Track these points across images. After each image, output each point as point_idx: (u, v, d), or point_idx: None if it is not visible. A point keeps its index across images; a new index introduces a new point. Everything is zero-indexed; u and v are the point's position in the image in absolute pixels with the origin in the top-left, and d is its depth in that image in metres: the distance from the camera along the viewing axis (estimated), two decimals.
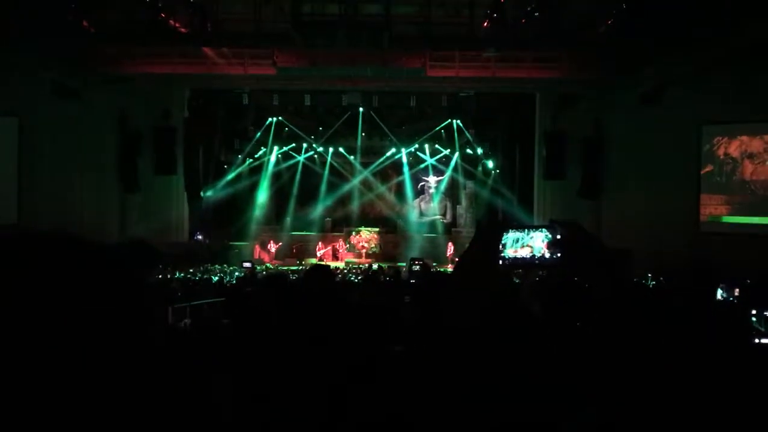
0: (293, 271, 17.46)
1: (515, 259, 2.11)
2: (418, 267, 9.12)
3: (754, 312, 3.96)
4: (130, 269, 0.91)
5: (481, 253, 2.01)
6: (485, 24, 14.20)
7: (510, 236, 2.10)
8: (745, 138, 15.57)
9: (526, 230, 2.11)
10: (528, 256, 2.10)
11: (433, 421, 1.84)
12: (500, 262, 2.09)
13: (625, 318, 1.63)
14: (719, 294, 4.71)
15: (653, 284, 11.26)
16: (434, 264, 18.68)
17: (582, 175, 18.19)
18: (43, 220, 14.90)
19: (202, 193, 20.51)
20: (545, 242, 2.05)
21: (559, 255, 1.99)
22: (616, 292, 1.69)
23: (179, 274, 14.60)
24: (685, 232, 15.64)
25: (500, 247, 2.08)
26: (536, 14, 13.46)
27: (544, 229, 2.06)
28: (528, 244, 2.10)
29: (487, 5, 14.01)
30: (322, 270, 2.92)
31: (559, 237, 1.92)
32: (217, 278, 14.34)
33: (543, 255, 2.07)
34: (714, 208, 15.96)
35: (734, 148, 15.67)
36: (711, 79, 14.56)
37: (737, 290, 4.71)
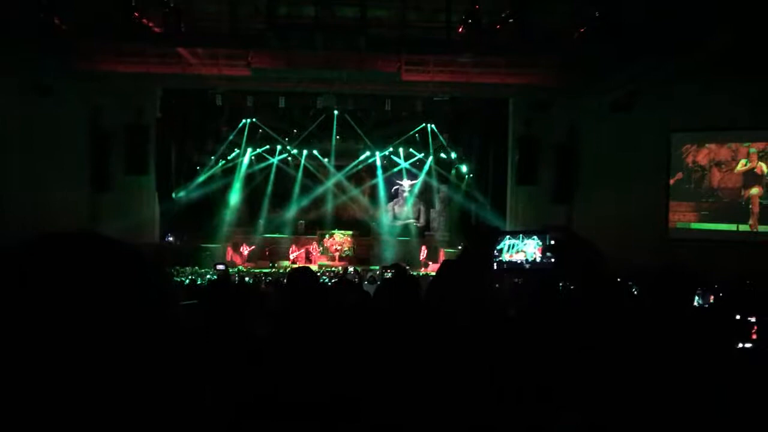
0: (266, 274, 17.38)
1: (510, 263, 2.19)
2: (389, 274, 8.89)
3: (738, 317, 4.04)
4: (163, 271, 0.92)
5: (475, 256, 2.04)
6: (460, 29, 14.30)
7: (506, 242, 2.18)
8: (713, 146, 15.87)
9: (520, 236, 2.19)
10: (522, 261, 2.17)
11: (416, 420, 1.85)
12: (496, 266, 2.15)
13: (612, 319, 1.66)
14: (696, 301, 4.80)
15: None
16: (407, 267, 18.71)
17: (554, 181, 18.40)
18: (11, 218, 14.63)
19: (173, 194, 20.29)
20: (538, 248, 2.12)
21: (552, 259, 2.06)
22: (606, 294, 1.72)
23: None
24: (654, 238, 15.87)
25: (496, 252, 2.15)
26: (511, 20, 13.60)
27: (536, 236, 2.14)
28: (522, 249, 2.17)
29: (463, 11, 14.11)
30: (305, 272, 2.91)
31: (552, 242, 1.97)
32: (188, 280, 14.20)
33: (535, 259, 2.14)
34: (682, 215, 16.24)
35: (702, 156, 15.96)
36: (680, 88, 14.83)
37: (712, 297, 4.80)
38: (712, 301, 4.82)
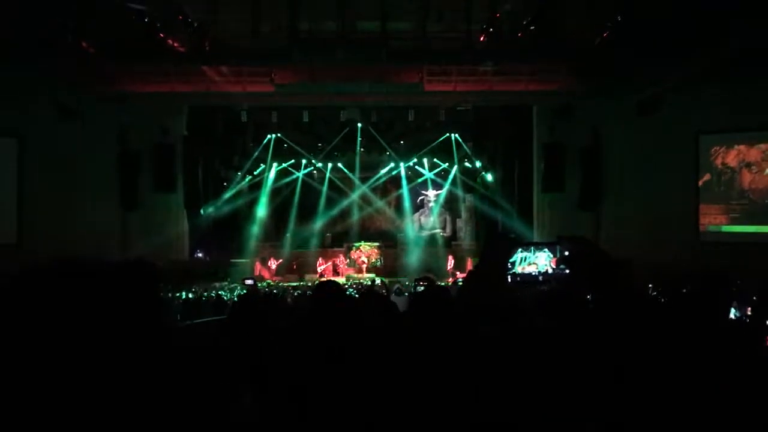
0: (294, 287, 17.45)
1: (523, 275, 2.20)
2: (422, 287, 8.54)
3: None
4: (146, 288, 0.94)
5: (495, 264, 2.05)
6: (482, 38, 14.28)
7: (519, 255, 2.20)
8: (742, 147, 15.62)
9: (532, 249, 2.21)
10: (534, 273, 2.18)
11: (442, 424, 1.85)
12: (509, 279, 2.17)
13: (632, 329, 1.65)
14: (732, 313, 4.64)
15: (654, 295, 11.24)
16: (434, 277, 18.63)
17: (580, 186, 18.23)
18: (44, 239, 14.92)
19: (201, 211, 20.51)
20: (550, 260, 2.14)
21: (566, 271, 2.05)
22: (623, 305, 1.71)
23: (181, 292, 14.58)
24: (684, 241, 15.65)
25: (510, 264, 2.16)
26: (532, 27, 13.55)
27: (547, 248, 2.15)
28: (533, 261, 2.19)
29: (483, 19, 14.10)
30: (331, 286, 2.91)
31: (566, 253, 1.96)
32: (216, 295, 14.31)
33: (547, 271, 2.15)
34: (713, 218, 15.98)
35: (732, 158, 15.72)
36: (707, 89, 14.64)
37: (749, 309, 4.63)
38: (749, 312, 4.65)
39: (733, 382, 1.66)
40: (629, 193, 17.13)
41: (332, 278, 20.75)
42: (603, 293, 1.77)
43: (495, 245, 2.17)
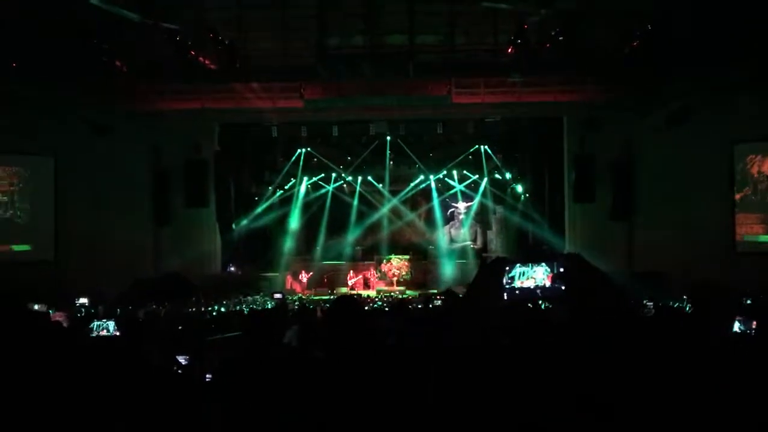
0: (325, 301, 17.51)
1: (522, 289, 2.24)
2: (439, 302, 8.58)
3: None
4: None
5: (485, 285, 2.07)
6: (509, 50, 14.28)
7: (517, 270, 2.23)
8: None
9: (530, 264, 2.24)
10: (532, 287, 2.21)
11: None
12: (506, 294, 2.20)
13: (631, 344, 1.65)
14: (737, 326, 4.59)
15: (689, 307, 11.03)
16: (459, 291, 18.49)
17: (612, 197, 18.01)
18: (79, 255, 15.26)
19: (233, 225, 20.73)
20: (547, 275, 2.16)
21: (562, 287, 2.08)
22: (618, 320, 1.71)
23: (213, 306, 14.73)
24: (720, 252, 15.34)
25: (509, 279, 2.20)
26: (560, 38, 13.51)
27: (544, 263, 2.17)
28: (531, 276, 2.21)
29: (511, 31, 14.11)
30: (349, 302, 2.92)
31: (562, 270, 1.99)
32: (248, 309, 14.42)
33: (545, 286, 2.18)
34: (750, 228, 15.65)
35: None
36: (740, 98, 14.39)
37: (755, 323, 4.55)
38: (755, 326, 4.55)
39: (724, 395, 1.65)
40: (663, 204, 16.86)
41: (363, 292, 20.83)
42: (588, 309, 1.77)
43: (487, 267, 2.20)
